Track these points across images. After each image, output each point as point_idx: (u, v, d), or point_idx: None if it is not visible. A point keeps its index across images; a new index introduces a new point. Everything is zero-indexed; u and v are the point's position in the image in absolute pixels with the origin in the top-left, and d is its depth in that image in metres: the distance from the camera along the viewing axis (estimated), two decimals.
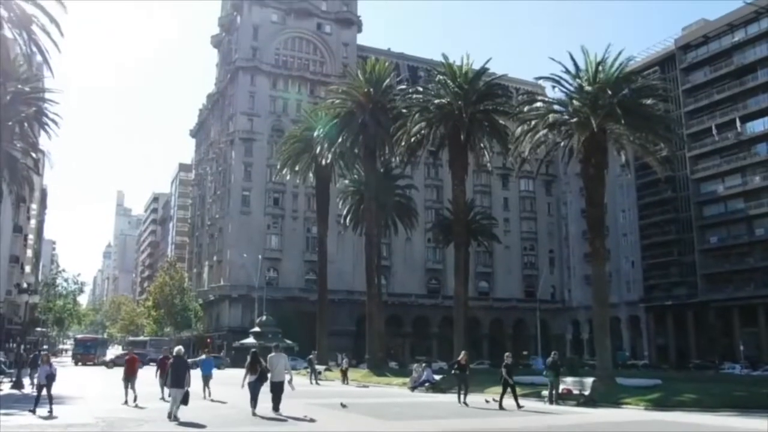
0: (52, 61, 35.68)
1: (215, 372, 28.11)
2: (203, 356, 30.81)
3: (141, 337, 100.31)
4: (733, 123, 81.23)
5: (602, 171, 35.96)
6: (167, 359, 24.19)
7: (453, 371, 26.15)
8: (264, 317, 68.53)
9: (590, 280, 51.40)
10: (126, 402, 22.34)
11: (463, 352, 26.26)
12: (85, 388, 31.37)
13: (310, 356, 44.44)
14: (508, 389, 23.56)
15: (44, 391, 19.97)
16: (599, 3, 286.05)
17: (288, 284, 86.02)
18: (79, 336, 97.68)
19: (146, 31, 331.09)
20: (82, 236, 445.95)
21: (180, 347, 20.62)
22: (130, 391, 22.88)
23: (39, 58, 37.49)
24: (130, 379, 23.04)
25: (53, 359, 28.74)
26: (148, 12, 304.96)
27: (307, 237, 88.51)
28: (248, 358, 19.74)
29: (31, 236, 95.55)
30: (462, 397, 24.51)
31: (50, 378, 20.00)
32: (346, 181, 58.39)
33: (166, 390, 23.44)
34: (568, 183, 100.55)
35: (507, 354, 25.36)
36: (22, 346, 56.69)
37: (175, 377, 18.14)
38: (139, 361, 24.93)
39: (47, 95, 45.09)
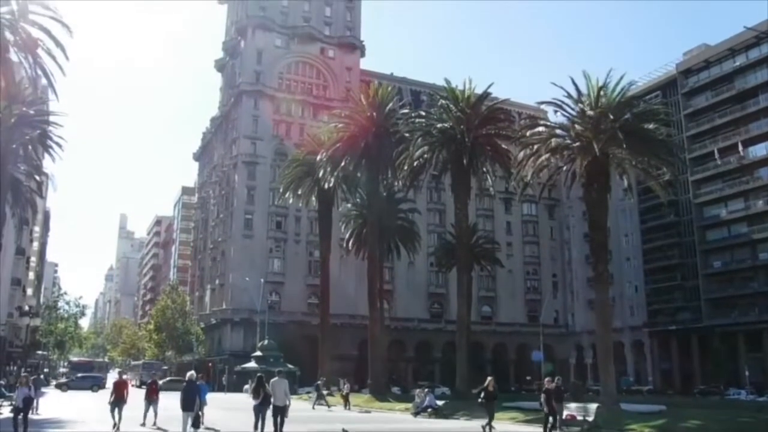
0: (57, 84, 35.82)
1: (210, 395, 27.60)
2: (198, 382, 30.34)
3: (141, 361, 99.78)
4: (736, 147, 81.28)
5: (605, 195, 36.00)
6: (155, 384, 24.09)
7: (480, 399, 24.72)
8: (266, 341, 68.13)
9: (594, 305, 51.18)
10: (115, 426, 22.00)
11: (489, 378, 24.95)
12: (72, 412, 31.05)
13: (318, 382, 44.28)
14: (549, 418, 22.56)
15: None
16: (601, 28, 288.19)
17: (290, 308, 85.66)
18: (73, 359, 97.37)
19: (150, 55, 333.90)
20: (84, 259, 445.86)
21: (192, 372, 20.82)
22: (117, 414, 22.41)
23: (44, 81, 37.74)
24: (118, 404, 22.53)
25: (52, 382, 28.66)
26: (151, 36, 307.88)
27: (309, 261, 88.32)
28: (254, 383, 20.17)
29: (33, 259, 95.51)
30: (489, 428, 23.34)
31: (27, 401, 19.63)
32: (349, 205, 58.45)
33: (149, 415, 23.38)
34: (570, 207, 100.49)
35: (547, 379, 24.35)
36: (23, 369, 56.40)
37: (185, 401, 18.43)
38: (128, 384, 24.49)
39: (52, 118, 45.31)
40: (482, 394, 24.66)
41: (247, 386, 60.80)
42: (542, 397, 22.82)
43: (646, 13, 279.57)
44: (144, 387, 29.76)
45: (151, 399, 23.72)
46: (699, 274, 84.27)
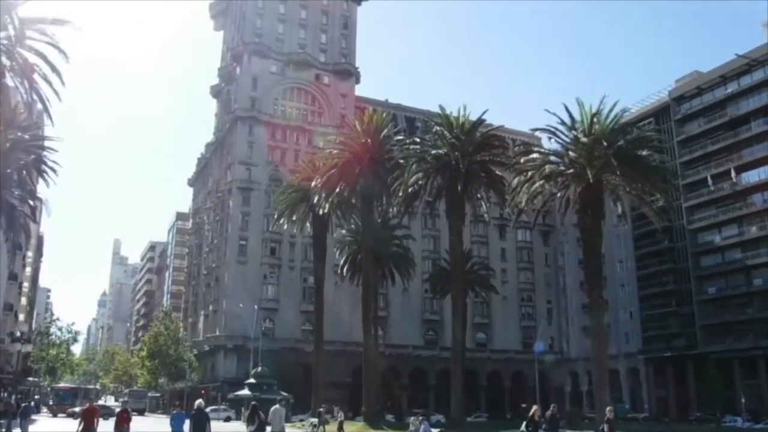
0: (53, 109, 35.87)
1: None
2: (174, 411, 29.67)
3: (135, 388, 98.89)
4: (729, 173, 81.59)
5: (599, 221, 36.11)
6: (126, 413, 23.51)
7: (526, 429, 23.75)
8: (259, 368, 67.55)
9: (589, 331, 51.03)
10: None
11: (534, 407, 24.29)
12: None
13: (320, 409, 43.89)
14: None
15: None
16: (594, 56, 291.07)
17: (284, 335, 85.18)
18: (57, 386, 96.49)
19: (145, 80, 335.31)
20: (77, 284, 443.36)
21: (200, 401, 20.56)
22: None
23: (40, 106, 37.80)
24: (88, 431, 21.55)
25: (43, 409, 28.26)
26: (147, 62, 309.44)
27: (303, 287, 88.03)
28: (248, 410, 20.36)
29: (26, 284, 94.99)
30: None
31: None
32: (344, 231, 58.36)
33: None
34: (565, 233, 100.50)
35: (534, 407, 23.90)
36: (13, 396, 55.79)
37: (195, 429, 18.62)
38: (98, 412, 23.73)
39: (47, 143, 45.29)
40: (528, 424, 23.76)
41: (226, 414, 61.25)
42: (523, 425, 22.27)
43: (638, 40, 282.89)
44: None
45: (121, 428, 22.82)
46: (694, 300, 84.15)
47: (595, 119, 35.44)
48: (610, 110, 35.68)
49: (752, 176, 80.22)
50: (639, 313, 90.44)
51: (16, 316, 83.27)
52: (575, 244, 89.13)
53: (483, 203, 45.75)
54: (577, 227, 41.66)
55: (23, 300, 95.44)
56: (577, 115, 36.13)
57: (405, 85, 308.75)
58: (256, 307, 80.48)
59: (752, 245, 79.57)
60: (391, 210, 52.57)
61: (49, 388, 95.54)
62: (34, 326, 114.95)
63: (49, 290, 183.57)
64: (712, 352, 79.65)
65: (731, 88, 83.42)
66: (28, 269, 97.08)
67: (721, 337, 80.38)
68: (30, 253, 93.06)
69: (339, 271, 62.69)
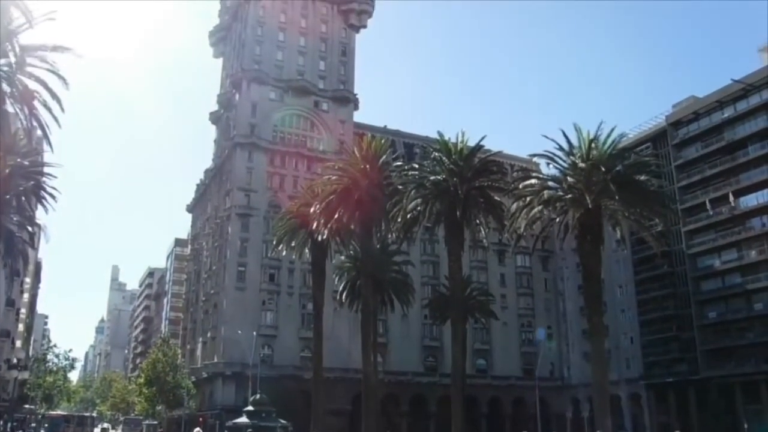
0: (52, 136, 35.93)
1: None
2: None
3: (133, 416, 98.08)
4: (727, 197, 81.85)
5: (598, 247, 35.99)
6: None
7: None
8: (258, 396, 66.70)
9: (589, 357, 50.72)
10: None
11: None
12: None
13: None
14: None
15: None
16: (591, 81, 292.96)
17: (283, 362, 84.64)
18: (48, 413, 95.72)
19: (145, 107, 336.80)
20: (75, 311, 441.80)
21: (198, 429, 20.36)
22: None
23: (39, 132, 37.89)
24: None
25: None
26: (147, 89, 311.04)
27: (302, 313, 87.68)
28: None
29: (23, 310, 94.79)
30: None
31: None
32: (343, 257, 58.18)
33: None
34: (564, 258, 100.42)
35: None
36: (9, 424, 55.31)
37: None
38: None
39: (46, 169, 45.36)
40: None
41: None
42: None
43: (634, 65, 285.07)
44: None
45: None
46: (694, 325, 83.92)
47: (593, 145, 35.52)
48: (608, 135, 35.78)
49: (750, 200, 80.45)
50: (640, 338, 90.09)
51: (13, 343, 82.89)
52: (575, 269, 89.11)
53: (482, 229, 45.60)
54: (577, 252, 41.58)
55: (20, 326, 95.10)
56: (574, 141, 36.22)
57: (403, 112, 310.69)
58: (254, 333, 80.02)
59: (752, 269, 79.54)
60: (390, 236, 52.39)
61: (41, 416, 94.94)
62: (31, 353, 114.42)
63: (46, 317, 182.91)
64: (713, 377, 79.24)
65: (728, 112, 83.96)
66: (26, 295, 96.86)
67: (723, 362, 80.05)
68: (28, 280, 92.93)
69: (338, 298, 62.43)
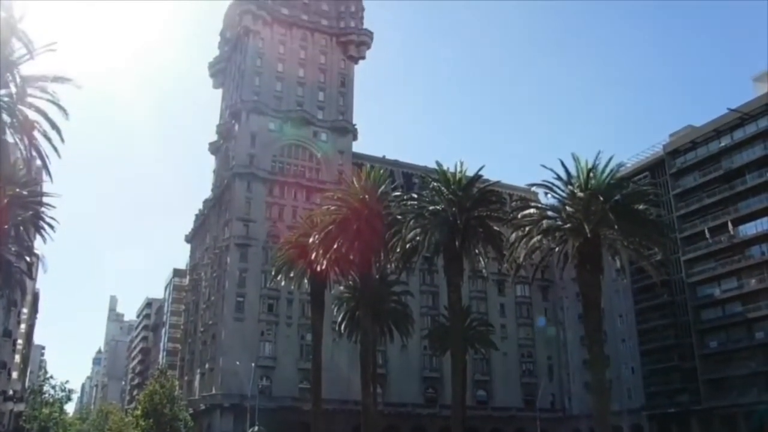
0: (52, 166, 36.00)
1: None
2: None
3: None
4: (726, 226, 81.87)
5: (598, 276, 35.87)
6: None
7: None
8: (256, 428, 66.45)
9: (590, 388, 50.32)
10: None
11: None
12: None
13: None
14: None
15: None
16: (588, 110, 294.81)
17: (281, 393, 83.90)
18: None
19: (144, 137, 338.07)
20: (72, 341, 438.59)
21: None
22: None
23: (39, 162, 37.94)
24: None
25: None
26: (146, 119, 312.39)
27: (301, 344, 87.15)
28: None
29: (20, 341, 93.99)
30: None
31: None
32: (342, 288, 57.91)
33: None
34: (564, 288, 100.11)
35: None
36: None
37: None
38: None
39: (45, 199, 45.34)
40: None
41: None
42: None
43: (631, 95, 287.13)
44: None
45: None
46: (696, 354, 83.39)
47: (591, 174, 35.61)
48: (606, 165, 35.87)
49: (749, 229, 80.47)
50: (641, 368, 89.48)
51: (10, 374, 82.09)
52: (574, 299, 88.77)
53: (481, 259, 45.48)
54: (576, 282, 41.46)
55: (17, 358, 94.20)
56: (573, 170, 36.30)
57: (402, 142, 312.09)
58: (253, 364, 79.48)
59: (752, 298, 79.30)
60: (389, 266, 52.29)
61: None
62: (27, 384, 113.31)
63: (43, 347, 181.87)
64: (716, 407, 78.58)
65: (725, 141, 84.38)
66: (23, 326, 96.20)
67: (725, 392, 79.41)
68: (25, 310, 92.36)
69: (337, 328, 62.02)
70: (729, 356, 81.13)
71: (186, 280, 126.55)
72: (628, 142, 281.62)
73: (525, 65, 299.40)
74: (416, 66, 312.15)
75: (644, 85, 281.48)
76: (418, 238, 43.86)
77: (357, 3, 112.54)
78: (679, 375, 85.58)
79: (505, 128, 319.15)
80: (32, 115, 33.92)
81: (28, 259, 48.08)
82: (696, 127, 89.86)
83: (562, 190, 36.31)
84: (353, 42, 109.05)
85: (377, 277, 54.07)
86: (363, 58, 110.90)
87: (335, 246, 49.12)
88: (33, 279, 70.89)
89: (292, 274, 57.30)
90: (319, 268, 51.51)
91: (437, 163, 45.61)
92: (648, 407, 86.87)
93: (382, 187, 52.23)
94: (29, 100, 33.76)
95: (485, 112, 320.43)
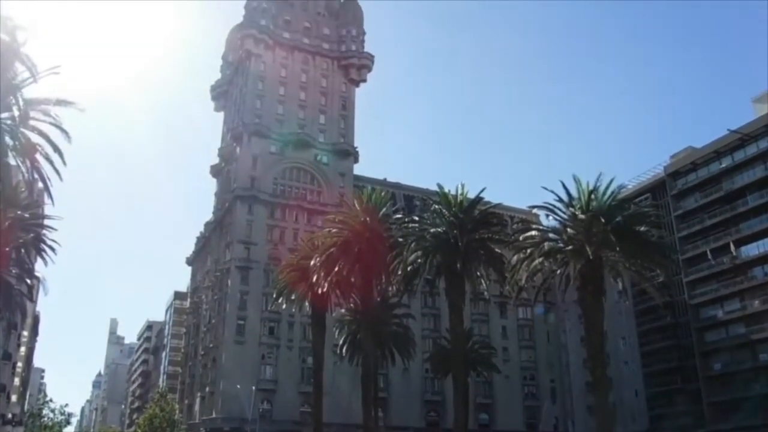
0: (53, 188, 36.05)
1: None
2: None
3: None
4: (728, 247, 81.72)
5: (600, 298, 35.77)
6: None
7: None
8: None
9: (594, 411, 49.90)
10: None
11: None
12: None
13: None
14: None
15: None
16: (588, 132, 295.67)
17: (282, 416, 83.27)
18: None
19: (146, 160, 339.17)
20: (72, 364, 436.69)
21: None
22: None
23: (40, 184, 37.99)
24: None
25: None
26: (148, 142, 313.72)
27: (302, 367, 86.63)
28: None
29: (20, 364, 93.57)
30: None
31: None
32: (343, 310, 57.68)
33: None
34: (566, 310, 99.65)
35: None
36: None
37: None
38: None
39: (46, 222, 45.38)
40: None
41: None
42: None
43: (631, 116, 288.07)
44: None
45: None
46: (699, 376, 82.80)
47: (592, 196, 35.67)
48: (607, 186, 35.95)
49: (752, 249, 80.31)
50: (644, 390, 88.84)
51: (9, 398, 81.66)
52: (577, 321, 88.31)
53: (483, 281, 45.38)
54: (578, 304, 41.35)
55: (16, 380, 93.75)
56: (574, 192, 36.38)
57: (403, 164, 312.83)
58: (253, 388, 79.11)
59: (756, 319, 78.92)
60: (390, 289, 52.14)
61: None
62: (26, 408, 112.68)
63: (43, 370, 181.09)
64: (720, 430, 77.79)
65: (725, 162, 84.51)
66: (23, 349, 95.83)
67: (730, 414, 78.66)
68: (25, 333, 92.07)
69: (338, 351, 61.70)
70: (733, 378, 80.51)
71: (187, 303, 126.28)
72: (629, 164, 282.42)
73: (525, 87, 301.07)
74: (417, 88, 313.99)
75: (645, 106, 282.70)
76: (419, 260, 43.80)
77: (358, 27, 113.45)
78: (683, 398, 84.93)
79: (506, 150, 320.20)
80: (35, 137, 34.07)
81: (28, 281, 48.05)
82: (696, 148, 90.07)
83: (564, 212, 36.34)
84: (354, 65, 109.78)
85: (378, 299, 53.86)
86: (364, 81, 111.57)
87: (336, 269, 49.01)
88: (33, 301, 70.78)
89: (293, 297, 57.11)
90: (320, 291, 51.35)
91: (438, 185, 45.68)
92: (652, 430, 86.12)
93: (384, 209, 52.26)
94: (32, 122, 33.91)
95: (486, 134, 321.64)
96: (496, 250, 43.08)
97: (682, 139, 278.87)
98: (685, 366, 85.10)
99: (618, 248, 32.88)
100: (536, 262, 36.32)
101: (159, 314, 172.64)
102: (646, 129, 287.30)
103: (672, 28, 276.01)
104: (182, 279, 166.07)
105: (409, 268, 43.85)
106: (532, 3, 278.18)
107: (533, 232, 39.09)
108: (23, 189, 41.33)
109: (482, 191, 45.14)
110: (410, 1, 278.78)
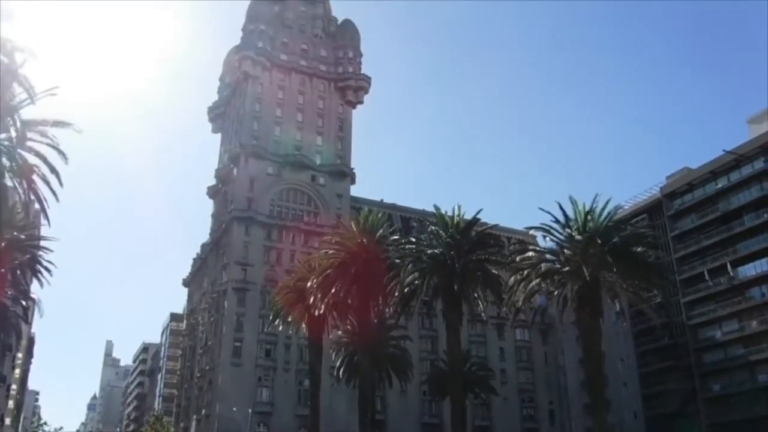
0: (50, 209, 36.02)
1: None
2: None
3: None
4: (725, 268, 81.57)
5: (597, 319, 35.72)
6: None
7: None
8: None
9: None
10: None
11: None
12: None
13: None
14: None
15: None
16: (584, 153, 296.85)
17: None
18: None
19: (143, 181, 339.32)
20: (67, 387, 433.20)
21: None
22: None
23: (37, 205, 37.94)
24: None
25: None
26: (145, 163, 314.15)
27: (299, 390, 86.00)
28: None
29: (14, 386, 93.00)
30: None
31: None
32: (340, 332, 57.42)
33: None
34: (564, 332, 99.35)
35: None
36: None
37: None
38: None
39: (42, 243, 45.32)
40: None
41: None
42: None
43: (627, 137, 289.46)
44: None
45: None
46: (699, 398, 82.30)
47: (588, 217, 35.78)
48: (604, 207, 36.09)
49: (749, 270, 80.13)
50: (643, 413, 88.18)
51: (2, 420, 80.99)
52: (575, 343, 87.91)
53: (480, 302, 45.27)
54: (576, 325, 41.24)
55: (10, 403, 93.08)
56: (570, 213, 36.49)
57: (399, 185, 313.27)
58: (250, 411, 78.49)
59: (754, 340, 78.59)
60: (387, 310, 51.95)
61: None
62: (20, 430, 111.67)
63: (37, 393, 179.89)
64: None
65: (721, 183, 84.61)
66: (17, 371, 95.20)
67: None
68: (20, 355, 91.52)
69: (335, 373, 61.34)
70: (733, 400, 79.97)
71: (183, 325, 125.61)
72: (625, 185, 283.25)
73: (522, 108, 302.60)
74: (414, 109, 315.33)
75: (640, 127, 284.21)
76: (416, 281, 43.71)
77: (355, 49, 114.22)
78: (683, 420, 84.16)
79: (502, 171, 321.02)
80: (32, 158, 34.08)
81: (24, 303, 47.90)
82: (692, 168, 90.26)
83: (561, 233, 36.41)
84: (351, 87, 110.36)
85: (376, 321, 53.59)
86: (361, 102, 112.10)
87: (333, 290, 48.83)
88: (29, 323, 70.43)
89: (290, 319, 56.86)
90: (317, 313, 51.13)
91: (435, 206, 45.72)
92: None
93: (380, 230, 52.18)
94: (29, 144, 33.95)
95: (483, 155, 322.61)
96: (494, 271, 43.02)
97: (678, 159, 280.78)
98: (684, 388, 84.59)
99: (615, 269, 32.93)
100: (533, 283, 36.33)
101: (155, 336, 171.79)
102: (642, 150, 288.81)
103: (668, 48, 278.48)
104: (179, 300, 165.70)
105: (406, 290, 43.75)
106: (530, 24, 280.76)
107: (530, 254, 39.08)
108: (20, 210, 41.29)
109: (479, 212, 45.20)
110: (408, 21, 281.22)
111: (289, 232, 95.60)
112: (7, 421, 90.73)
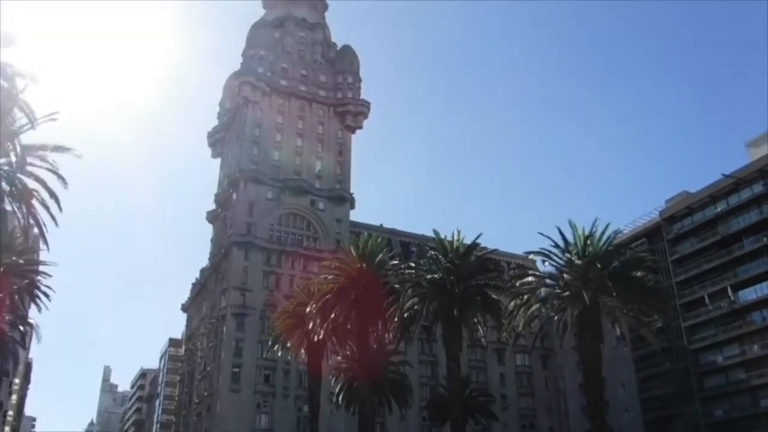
0: (49, 234, 36.01)
1: None
2: None
3: None
4: (726, 292, 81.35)
5: (598, 344, 35.60)
6: None
7: None
8: None
9: None
10: None
11: None
12: None
13: None
14: None
15: None
16: (584, 177, 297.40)
17: None
18: None
19: (142, 207, 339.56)
20: (64, 413, 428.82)
21: None
22: None
23: (36, 230, 37.93)
24: None
25: None
26: (144, 188, 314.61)
27: (298, 416, 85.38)
28: None
29: (10, 412, 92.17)
30: None
31: None
32: (339, 358, 57.09)
33: None
34: (564, 357, 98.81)
35: None
36: None
37: None
38: None
39: (41, 268, 45.24)
40: None
41: None
42: None
43: (626, 161, 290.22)
44: None
45: None
46: (701, 423, 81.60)
47: (588, 241, 35.82)
48: (603, 232, 36.12)
49: (749, 294, 79.89)
50: None
51: None
52: (575, 368, 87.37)
53: (480, 327, 45.12)
54: (576, 350, 41.06)
55: (7, 429, 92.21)
56: (570, 238, 36.54)
57: (399, 210, 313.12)
58: None
59: (756, 365, 78.09)
60: (387, 336, 51.72)
61: None
62: None
63: (34, 419, 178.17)
64: None
65: (720, 207, 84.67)
66: (14, 397, 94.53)
67: None
68: (17, 380, 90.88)
69: (335, 399, 60.90)
70: (735, 425, 79.26)
71: (182, 350, 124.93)
72: (624, 209, 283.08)
73: (521, 133, 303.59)
74: (413, 134, 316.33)
75: (639, 151, 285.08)
76: (416, 306, 43.58)
77: (354, 74, 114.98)
78: None
79: (502, 195, 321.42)
80: (31, 183, 34.16)
81: (21, 328, 47.70)
82: (691, 192, 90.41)
83: (560, 258, 36.42)
84: (351, 112, 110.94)
85: (375, 346, 53.34)
86: (360, 127, 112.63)
87: (332, 315, 48.63)
88: (26, 349, 70.05)
89: (289, 344, 56.59)
90: (316, 338, 50.88)
91: (434, 231, 45.73)
92: None
93: (380, 255, 52.07)
94: (29, 168, 34.05)
95: (482, 180, 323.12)
96: (493, 296, 42.93)
97: (677, 183, 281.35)
98: (685, 413, 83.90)
99: (615, 294, 32.87)
100: (533, 308, 36.28)
101: (153, 362, 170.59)
102: (641, 174, 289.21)
103: (667, 72, 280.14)
104: (177, 326, 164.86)
105: (405, 315, 43.62)
106: (529, 45, 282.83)
107: (530, 278, 39.10)
108: (19, 234, 41.31)
109: (478, 237, 45.23)
110: (408, 46, 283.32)
111: (289, 256, 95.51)
112: None
